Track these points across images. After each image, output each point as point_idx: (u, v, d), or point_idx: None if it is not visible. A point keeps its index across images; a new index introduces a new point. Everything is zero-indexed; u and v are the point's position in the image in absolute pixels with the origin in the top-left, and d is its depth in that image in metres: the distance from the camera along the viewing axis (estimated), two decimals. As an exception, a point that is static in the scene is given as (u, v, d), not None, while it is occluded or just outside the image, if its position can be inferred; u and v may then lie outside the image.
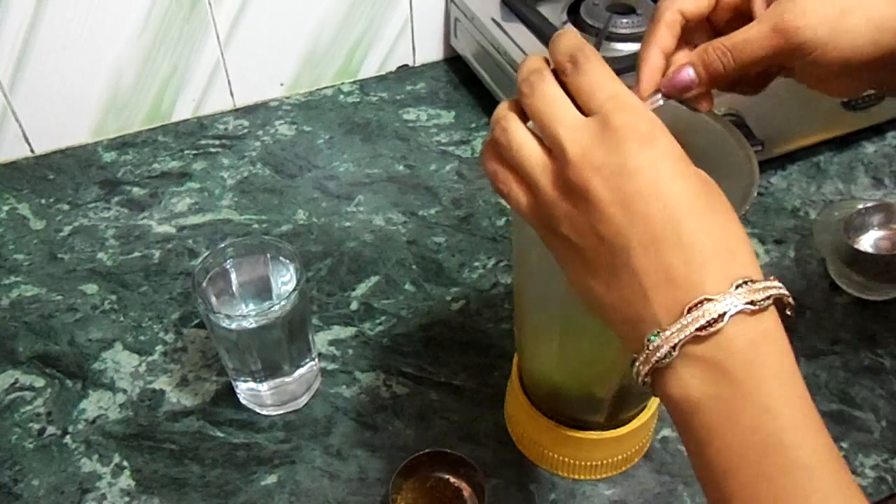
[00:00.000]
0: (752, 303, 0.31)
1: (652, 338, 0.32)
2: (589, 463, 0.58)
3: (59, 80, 0.83)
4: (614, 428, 0.56)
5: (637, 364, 0.33)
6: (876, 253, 0.71)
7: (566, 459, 0.58)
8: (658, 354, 0.32)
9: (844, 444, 0.61)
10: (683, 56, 0.42)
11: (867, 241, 0.72)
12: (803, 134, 0.82)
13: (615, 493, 0.58)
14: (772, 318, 0.33)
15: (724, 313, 0.31)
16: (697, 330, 0.31)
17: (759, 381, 0.31)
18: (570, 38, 0.36)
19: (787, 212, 0.79)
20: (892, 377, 0.65)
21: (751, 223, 0.78)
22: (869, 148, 0.86)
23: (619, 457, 0.58)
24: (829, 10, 0.39)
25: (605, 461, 0.58)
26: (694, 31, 0.43)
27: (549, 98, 0.35)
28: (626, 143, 0.32)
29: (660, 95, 0.41)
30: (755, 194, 0.43)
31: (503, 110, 0.37)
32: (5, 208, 0.81)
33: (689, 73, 0.41)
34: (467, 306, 0.71)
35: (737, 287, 0.31)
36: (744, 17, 0.42)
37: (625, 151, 0.32)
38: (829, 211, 0.73)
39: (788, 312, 0.34)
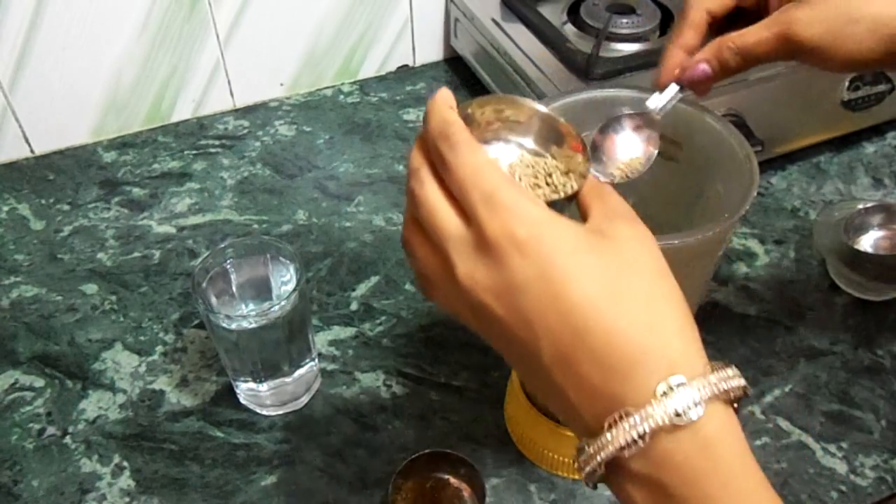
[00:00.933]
0: (679, 414, 0.28)
1: (581, 449, 0.30)
2: (589, 463, 0.58)
3: (60, 80, 0.83)
4: (614, 428, 0.56)
5: (577, 467, 0.31)
6: (876, 253, 0.71)
7: (566, 459, 0.58)
8: (587, 469, 0.30)
9: (844, 445, 0.61)
10: (699, 53, 0.45)
11: (867, 242, 0.72)
12: (803, 134, 0.82)
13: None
14: (714, 420, 0.29)
15: (645, 433, 0.28)
16: (620, 449, 0.28)
17: (703, 497, 0.28)
18: (433, 120, 0.33)
19: (787, 212, 0.79)
20: (892, 377, 0.65)
21: (751, 223, 0.78)
22: (869, 148, 0.86)
23: (619, 457, 0.58)
24: (835, 20, 0.41)
25: (604, 461, 0.58)
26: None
27: (430, 207, 0.32)
28: (507, 256, 0.30)
29: (676, 88, 0.44)
30: (755, 195, 0.43)
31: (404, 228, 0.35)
32: (5, 209, 0.81)
33: (704, 69, 0.44)
34: (467, 306, 0.71)
35: (663, 394, 0.28)
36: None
37: (508, 267, 0.30)
38: (829, 211, 0.73)
39: (736, 405, 0.30)
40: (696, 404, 0.28)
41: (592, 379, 0.29)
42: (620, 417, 0.28)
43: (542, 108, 0.36)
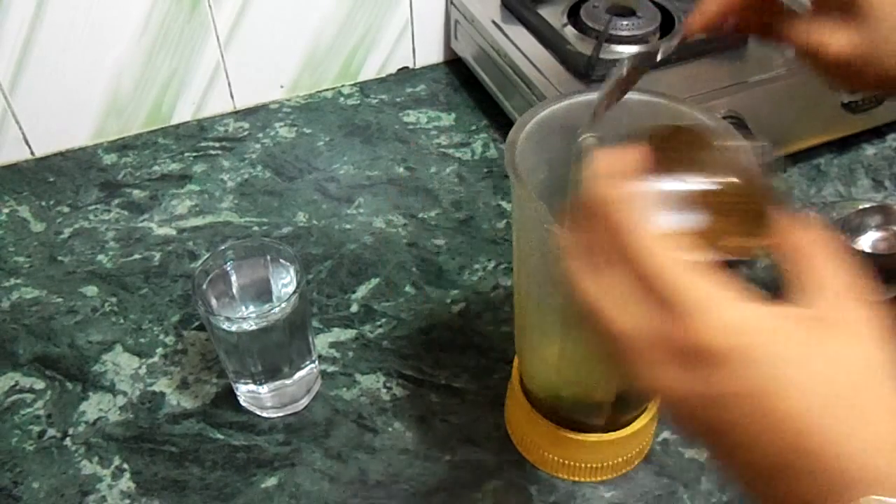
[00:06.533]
0: None
1: None
2: (589, 465, 0.58)
3: (60, 82, 0.83)
4: (615, 430, 0.56)
5: None
6: (874, 253, 0.71)
7: (566, 462, 0.58)
8: None
9: (845, 447, 0.60)
10: None
11: (865, 242, 0.72)
12: (803, 136, 0.82)
13: (615, 496, 0.58)
14: None
15: None
16: None
17: None
18: (597, 202, 0.29)
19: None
20: (892, 379, 0.65)
21: (751, 225, 0.77)
22: (869, 150, 0.86)
23: (620, 459, 0.58)
24: None
25: (605, 463, 0.58)
26: None
27: (595, 305, 0.30)
28: (701, 368, 0.27)
29: None
30: (755, 197, 0.43)
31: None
32: (5, 211, 0.81)
33: None
34: (467, 309, 0.71)
35: None
36: None
37: (704, 380, 0.27)
38: (826, 212, 0.73)
39: None
40: None
41: (802, 495, 0.26)
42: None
43: (726, 136, 0.32)
